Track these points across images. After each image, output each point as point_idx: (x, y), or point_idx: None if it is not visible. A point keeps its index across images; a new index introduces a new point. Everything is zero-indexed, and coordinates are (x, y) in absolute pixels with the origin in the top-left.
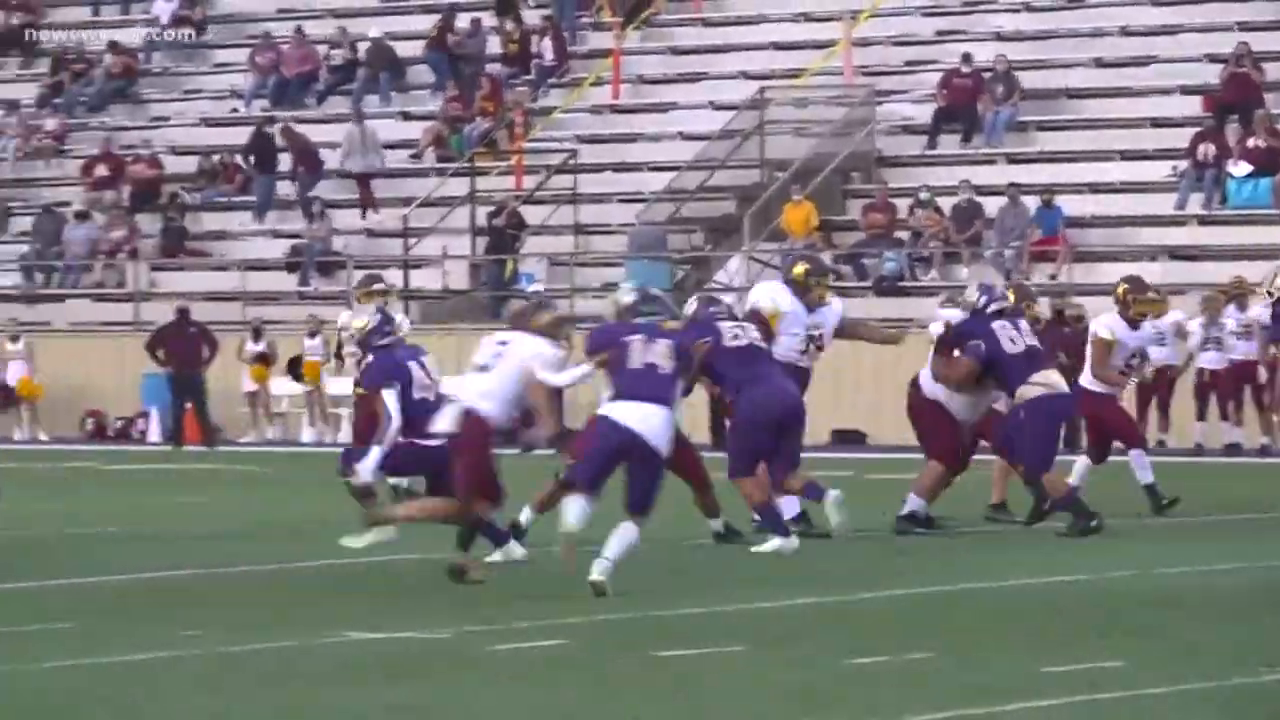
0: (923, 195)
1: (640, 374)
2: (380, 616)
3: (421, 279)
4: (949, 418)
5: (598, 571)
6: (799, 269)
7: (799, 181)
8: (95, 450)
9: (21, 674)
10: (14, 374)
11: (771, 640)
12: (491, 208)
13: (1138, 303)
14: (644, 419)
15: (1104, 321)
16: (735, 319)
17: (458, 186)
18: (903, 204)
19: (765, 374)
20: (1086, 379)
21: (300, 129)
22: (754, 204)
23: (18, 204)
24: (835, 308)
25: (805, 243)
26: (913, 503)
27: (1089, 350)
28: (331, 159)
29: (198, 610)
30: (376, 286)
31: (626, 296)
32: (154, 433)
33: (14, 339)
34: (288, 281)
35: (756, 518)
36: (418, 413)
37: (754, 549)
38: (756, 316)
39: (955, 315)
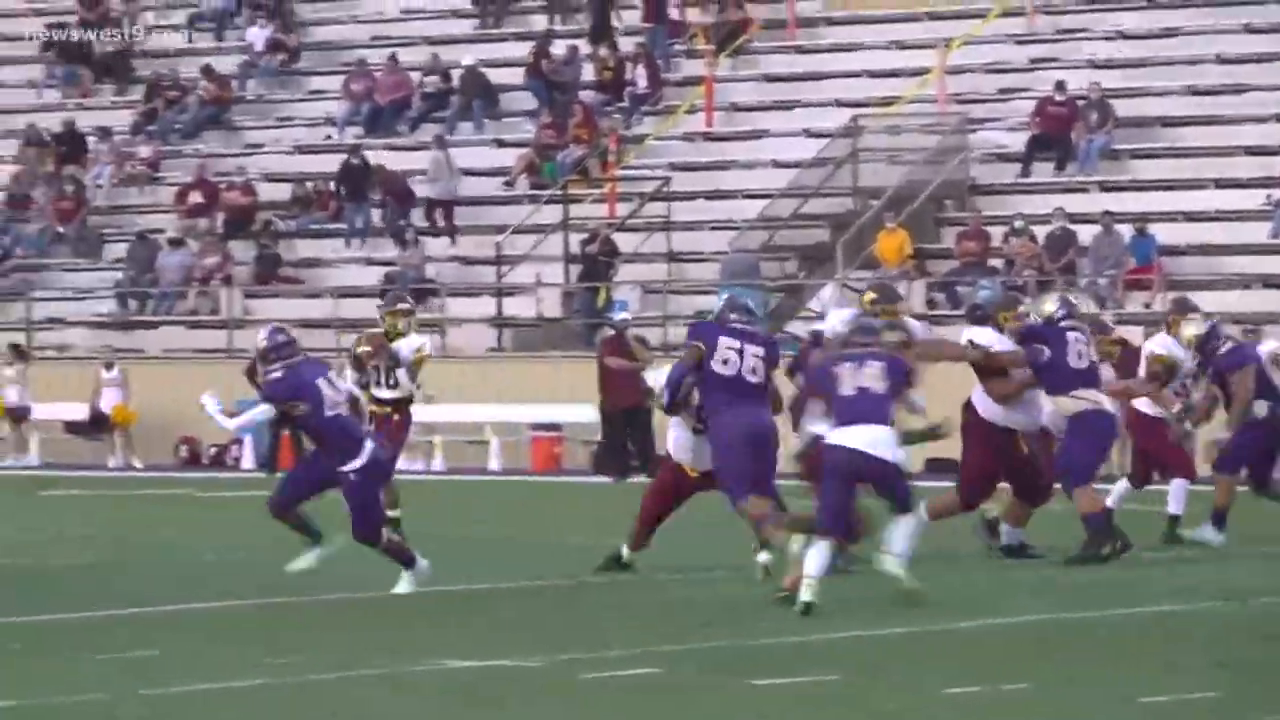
0: (1017, 223)
1: (853, 399)
2: (476, 644)
3: (514, 306)
4: (997, 451)
5: (907, 582)
6: (866, 297)
7: (892, 209)
8: (190, 477)
9: (112, 702)
10: (108, 401)
11: (866, 669)
12: (584, 235)
13: (1175, 323)
14: (864, 438)
15: (1158, 341)
16: (750, 334)
17: (551, 214)
18: (996, 232)
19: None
20: (1141, 401)
21: (393, 156)
22: (847, 231)
23: (112, 231)
24: (916, 334)
25: (899, 270)
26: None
27: (1142, 370)
28: (422, 187)
29: (291, 637)
30: (401, 306)
31: (840, 327)
32: (248, 460)
33: (108, 366)
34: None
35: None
36: (331, 430)
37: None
38: (822, 341)
39: (979, 333)
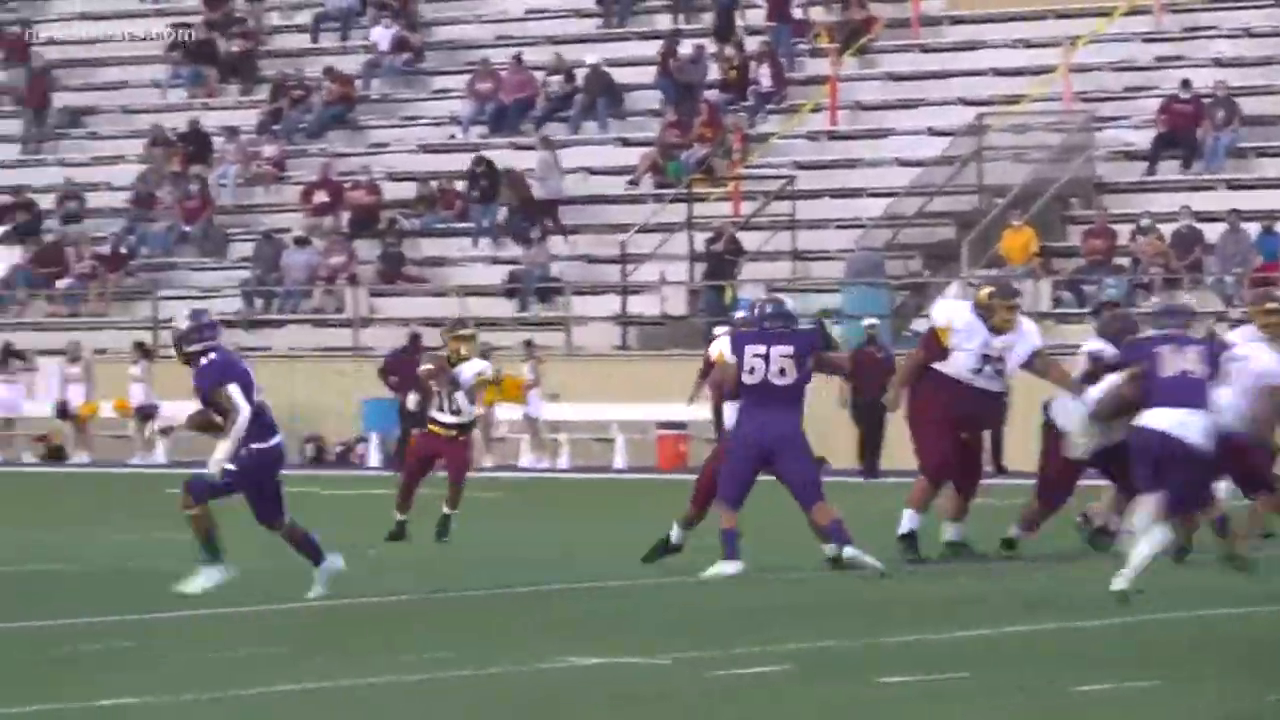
0: (1143, 222)
1: (1174, 381)
2: (601, 642)
3: (639, 305)
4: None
5: (1121, 583)
6: (983, 291)
7: (1018, 207)
8: (315, 475)
9: (236, 699)
10: None
11: (994, 667)
12: (709, 234)
13: (1257, 314)
14: (1179, 422)
15: (1242, 334)
16: (777, 335)
17: (675, 212)
18: (1123, 230)
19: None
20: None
21: (517, 155)
22: (973, 230)
23: (237, 230)
24: (1031, 338)
25: (1024, 268)
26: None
27: None
28: (534, 186)
29: (414, 635)
30: (463, 331)
31: (1151, 308)
32: (373, 458)
33: None
34: (506, 307)
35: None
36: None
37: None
38: (930, 332)
39: (1097, 347)
